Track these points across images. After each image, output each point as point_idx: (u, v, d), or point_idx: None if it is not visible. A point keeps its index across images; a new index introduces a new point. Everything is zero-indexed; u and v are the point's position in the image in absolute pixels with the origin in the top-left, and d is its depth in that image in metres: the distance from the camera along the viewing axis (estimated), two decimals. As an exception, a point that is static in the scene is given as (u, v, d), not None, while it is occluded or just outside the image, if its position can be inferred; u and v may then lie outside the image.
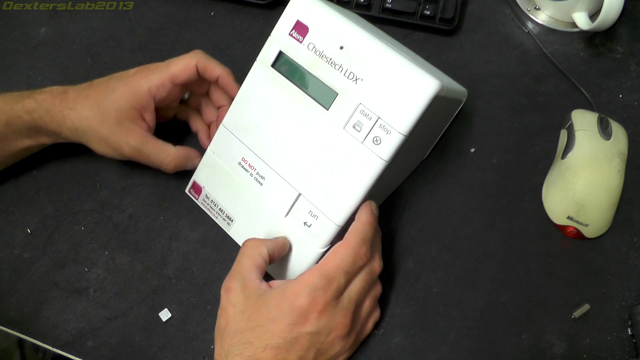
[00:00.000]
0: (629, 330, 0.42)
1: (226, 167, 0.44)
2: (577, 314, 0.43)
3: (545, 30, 0.53)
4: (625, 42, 0.52)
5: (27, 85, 0.56)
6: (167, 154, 0.46)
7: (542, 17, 0.53)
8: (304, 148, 0.41)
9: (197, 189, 0.46)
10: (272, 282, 0.40)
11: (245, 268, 0.39)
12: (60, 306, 0.46)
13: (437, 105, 0.38)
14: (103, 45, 0.57)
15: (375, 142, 0.38)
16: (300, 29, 0.41)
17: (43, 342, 0.45)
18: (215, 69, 0.46)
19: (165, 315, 0.45)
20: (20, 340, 0.85)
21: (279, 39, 0.41)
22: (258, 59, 0.42)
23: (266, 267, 0.40)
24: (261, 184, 0.42)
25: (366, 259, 0.39)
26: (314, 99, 0.40)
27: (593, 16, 0.51)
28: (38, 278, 0.47)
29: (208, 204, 0.46)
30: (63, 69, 0.56)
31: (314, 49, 0.40)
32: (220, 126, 0.44)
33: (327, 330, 0.38)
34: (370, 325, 0.42)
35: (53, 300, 0.46)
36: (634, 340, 0.42)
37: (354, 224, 0.40)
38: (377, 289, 0.42)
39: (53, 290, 0.47)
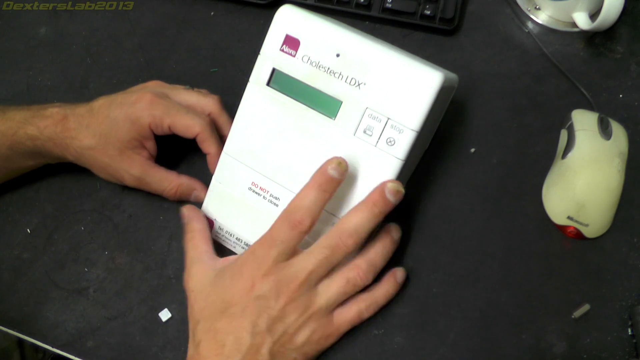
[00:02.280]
0: (629, 331, 0.42)
1: (236, 194, 0.43)
2: (577, 314, 0.43)
3: (545, 30, 0.53)
4: (625, 42, 0.52)
5: (27, 85, 0.56)
6: (168, 182, 0.46)
7: (542, 17, 0.53)
8: (315, 161, 0.40)
9: (208, 222, 0.45)
10: (227, 257, 0.41)
11: (195, 255, 0.41)
12: (60, 306, 0.46)
13: (440, 96, 0.38)
14: (103, 45, 0.57)
15: (389, 143, 0.38)
16: (291, 43, 0.40)
17: (43, 342, 0.45)
18: (210, 148, 0.46)
19: (165, 315, 0.45)
20: (20, 341, 0.84)
21: (270, 56, 0.41)
22: (251, 79, 0.41)
23: (211, 235, 0.43)
24: (277, 205, 0.42)
25: (302, 227, 0.38)
26: (318, 111, 0.40)
27: (593, 16, 0.51)
28: (38, 278, 0.47)
29: (223, 235, 0.45)
30: (63, 69, 0.56)
31: (309, 61, 0.40)
32: (223, 154, 0.43)
33: (273, 294, 0.38)
34: (349, 314, 0.40)
35: (53, 300, 0.46)
36: (634, 341, 0.42)
37: None
38: (354, 269, 0.39)
39: (53, 290, 0.47)
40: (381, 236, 0.42)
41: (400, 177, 0.40)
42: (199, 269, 0.41)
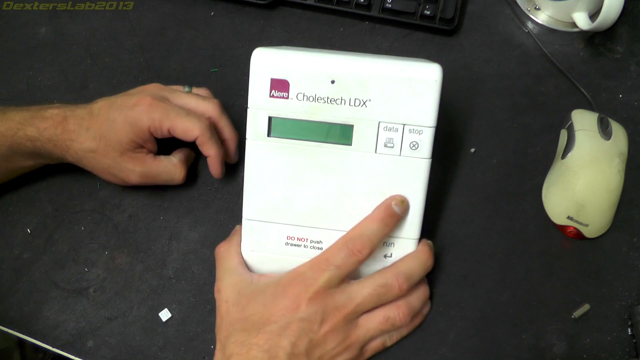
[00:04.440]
0: (629, 330, 0.42)
1: (274, 255, 0.41)
2: (577, 314, 0.43)
3: (545, 30, 0.53)
4: (625, 42, 0.52)
5: (27, 85, 0.55)
6: (174, 167, 0.46)
7: (542, 17, 0.53)
8: (346, 192, 0.39)
9: None
10: (266, 274, 0.41)
11: (231, 265, 0.41)
12: (60, 306, 0.46)
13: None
14: (103, 45, 0.57)
15: (413, 147, 0.39)
16: (280, 85, 0.38)
17: (43, 342, 0.45)
18: (210, 150, 0.45)
19: (165, 315, 0.45)
20: (21, 341, 0.84)
21: (261, 106, 0.39)
22: (248, 135, 0.39)
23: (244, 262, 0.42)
24: (321, 249, 0.40)
25: (361, 256, 0.38)
26: (332, 143, 0.39)
27: (593, 16, 0.51)
28: (38, 278, 0.47)
29: None
30: (63, 69, 0.56)
31: (305, 97, 0.38)
32: (244, 221, 0.41)
33: (318, 319, 0.38)
34: (376, 345, 0.41)
35: (53, 300, 0.46)
36: (634, 340, 0.42)
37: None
38: (395, 309, 0.40)
39: (53, 290, 0.47)
40: (421, 282, 0.42)
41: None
42: (235, 279, 0.40)
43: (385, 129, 0.38)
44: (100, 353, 0.44)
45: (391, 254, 0.41)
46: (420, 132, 0.38)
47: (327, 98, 0.38)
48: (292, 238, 0.41)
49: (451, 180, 0.48)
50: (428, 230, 0.46)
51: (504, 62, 0.52)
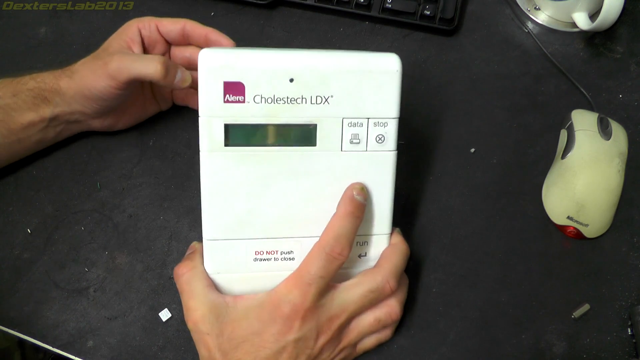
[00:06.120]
0: (629, 330, 0.42)
1: (242, 274, 0.39)
2: (577, 314, 0.43)
3: (545, 30, 0.53)
4: (625, 42, 0.52)
5: (27, 85, 0.55)
6: (149, 57, 0.43)
7: (542, 17, 0.54)
8: (313, 195, 0.37)
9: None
10: (241, 296, 0.38)
11: (199, 290, 0.38)
12: (60, 306, 0.46)
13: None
14: (103, 45, 0.57)
15: (379, 141, 0.37)
16: (234, 89, 0.35)
17: (43, 342, 0.45)
18: (201, 29, 0.47)
19: (165, 315, 0.45)
20: (21, 341, 0.84)
21: (214, 113, 0.35)
22: (202, 148, 0.36)
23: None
24: (293, 259, 0.38)
25: (342, 258, 0.37)
26: (295, 146, 0.36)
27: (593, 16, 0.51)
28: (38, 278, 0.47)
29: None
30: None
31: (263, 100, 0.35)
32: (205, 242, 0.38)
33: (313, 335, 0.37)
34: (370, 342, 0.40)
35: (53, 300, 0.46)
36: (633, 340, 0.42)
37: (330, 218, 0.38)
38: (385, 309, 0.39)
39: (53, 290, 0.47)
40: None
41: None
42: (209, 306, 0.37)
43: (349, 124, 0.37)
44: (100, 353, 0.44)
45: (365, 253, 0.40)
46: (385, 124, 0.37)
47: (287, 98, 0.36)
48: (261, 253, 0.38)
49: (451, 180, 0.48)
50: (429, 230, 0.47)
51: (504, 62, 0.52)
